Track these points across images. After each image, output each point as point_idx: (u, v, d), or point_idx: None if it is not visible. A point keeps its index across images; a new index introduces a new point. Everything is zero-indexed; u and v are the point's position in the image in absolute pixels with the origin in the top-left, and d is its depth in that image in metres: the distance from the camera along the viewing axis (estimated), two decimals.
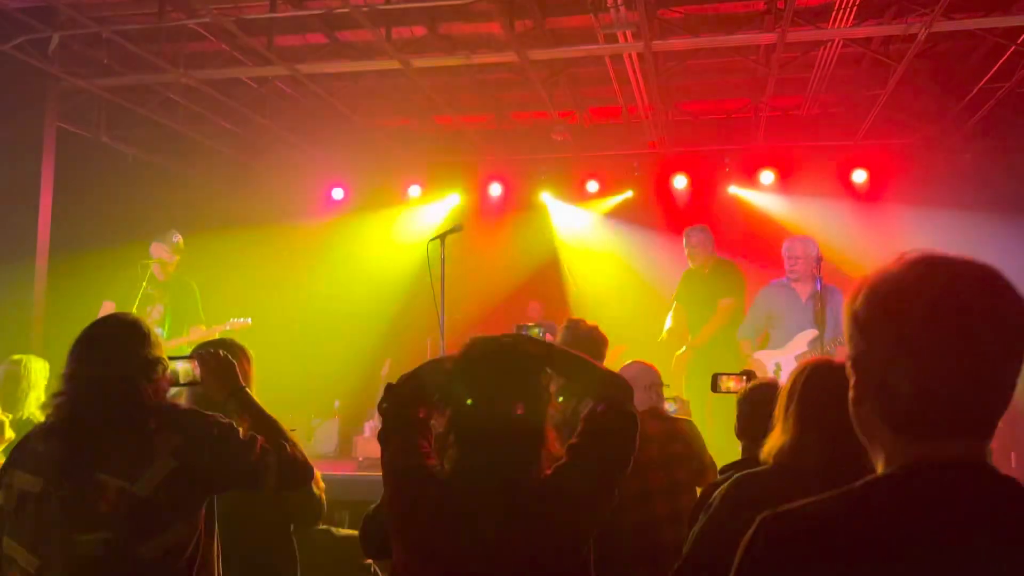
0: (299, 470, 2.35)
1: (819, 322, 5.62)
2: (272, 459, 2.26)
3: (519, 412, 1.81)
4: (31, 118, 6.52)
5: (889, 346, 1.05)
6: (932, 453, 1.04)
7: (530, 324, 3.75)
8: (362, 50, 6.53)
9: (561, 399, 2.61)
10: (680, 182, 8.60)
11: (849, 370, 1.13)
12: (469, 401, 1.83)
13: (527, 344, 1.98)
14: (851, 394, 1.11)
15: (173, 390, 2.55)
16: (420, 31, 6.48)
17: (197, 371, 2.51)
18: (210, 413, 2.31)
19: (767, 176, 8.34)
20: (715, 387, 3.36)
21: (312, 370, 7.48)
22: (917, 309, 1.04)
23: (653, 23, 5.87)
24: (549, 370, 1.96)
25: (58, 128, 6.84)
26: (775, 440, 2.10)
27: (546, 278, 8.94)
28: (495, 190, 9.05)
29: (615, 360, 3.96)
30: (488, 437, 1.83)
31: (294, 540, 2.96)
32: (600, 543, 1.91)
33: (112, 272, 6.26)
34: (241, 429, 2.30)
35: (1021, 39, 5.94)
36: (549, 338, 3.50)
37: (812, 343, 5.45)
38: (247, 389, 2.52)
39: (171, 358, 2.43)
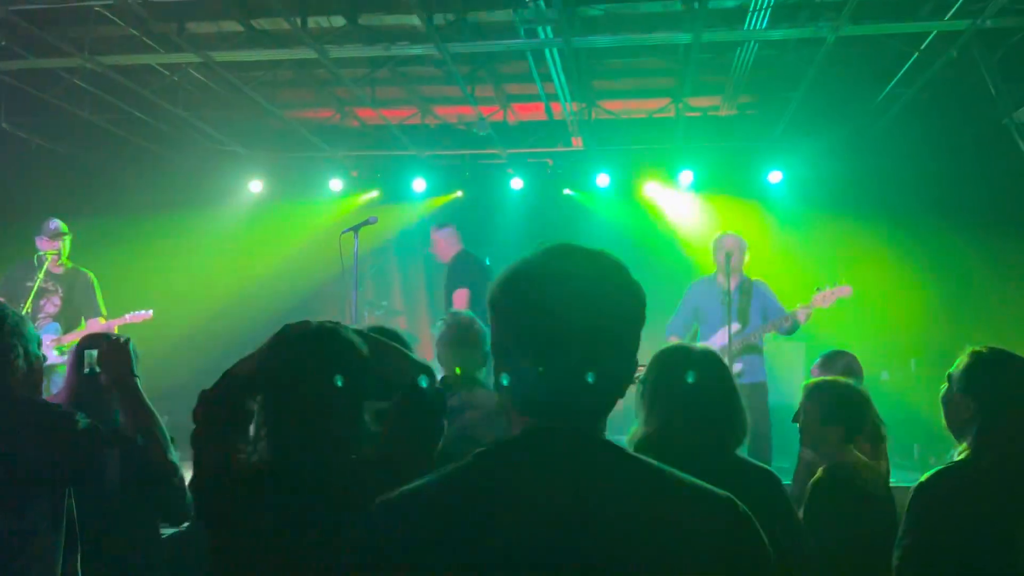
0: (153, 468, 2.31)
1: (742, 316, 5.73)
2: (114, 454, 2.20)
3: (334, 388, 1.77)
4: None
5: (520, 336, 1.12)
6: (549, 426, 1.10)
7: (460, 311, 3.69)
8: (278, 39, 6.38)
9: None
10: (603, 180, 8.68)
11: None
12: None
13: (344, 330, 1.95)
14: (496, 380, 1.17)
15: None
16: (339, 21, 6.36)
17: (95, 359, 2.50)
18: (50, 404, 2.29)
19: (686, 176, 8.49)
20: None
21: (219, 365, 7.27)
22: (531, 295, 1.11)
23: (573, 20, 5.90)
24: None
25: None
26: (634, 431, 2.13)
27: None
28: (418, 185, 8.99)
29: None
30: (301, 416, 1.79)
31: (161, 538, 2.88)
32: None
33: (7, 262, 5.98)
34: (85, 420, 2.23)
35: (924, 45, 6.18)
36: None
37: (736, 336, 5.55)
38: (135, 379, 2.44)
39: (89, 347, 2.45)
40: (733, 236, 5.90)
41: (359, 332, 1.98)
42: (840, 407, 2.82)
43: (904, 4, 5.75)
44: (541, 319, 1.10)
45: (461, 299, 5.82)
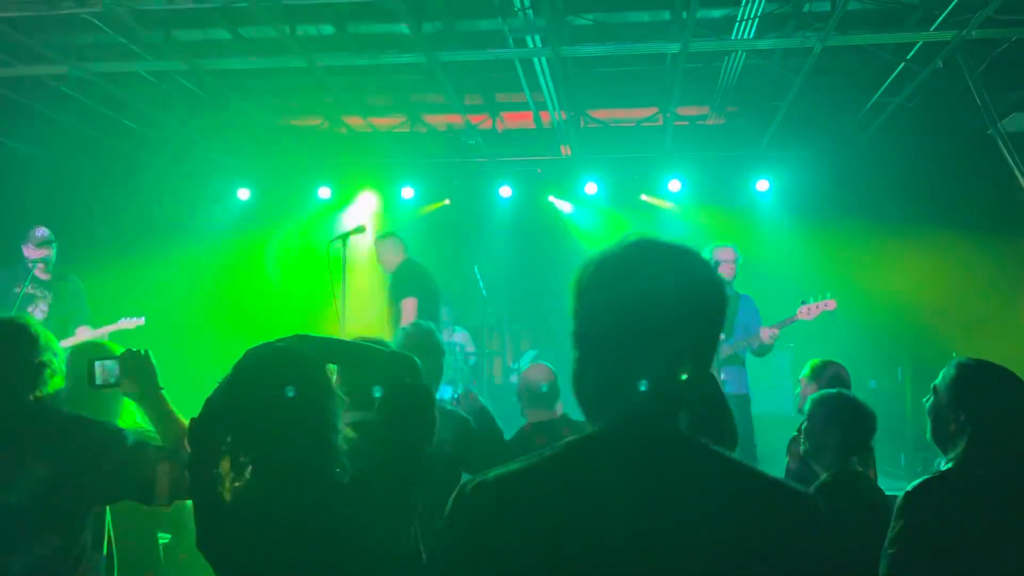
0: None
1: (727, 328, 5.73)
2: (165, 469, 2.18)
3: (299, 408, 1.76)
4: None
5: (602, 328, 1.15)
6: (630, 419, 1.13)
7: (420, 320, 3.65)
8: (266, 47, 6.36)
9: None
10: (591, 188, 8.71)
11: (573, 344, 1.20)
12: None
13: (302, 344, 1.93)
14: (574, 367, 1.19)
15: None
16: (328, 29, 6.35)
17: (116, 372, 2.39)
18: (97, 421, 2.21)
19: (674, 184, 8.52)
20: None
21: (209, 372, 7.24)
22: (618, 287, 1.13)
23: (561, 29, 5.92)
24: (332, 366, 1.95)
25: None
26: None
27: (457, 281, 8.90)
28: (407, 193, 8.98)
29: None
30: (276, 441, 1.78)
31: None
32: None
33: None
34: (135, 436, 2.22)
35: (910, 55, 6.23)
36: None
37: (721, 344, 5.55)
38: (160, 391, 2.42)
39: (99, 358, 2.35)
40: (725, 248, 5.87)
41: (329, 342, 1.97)
42: (846, 420, 2.84)
43: (891, 14, 5.80)
44: (628, 311, 1.12)
45: (410, 308, 5.79)
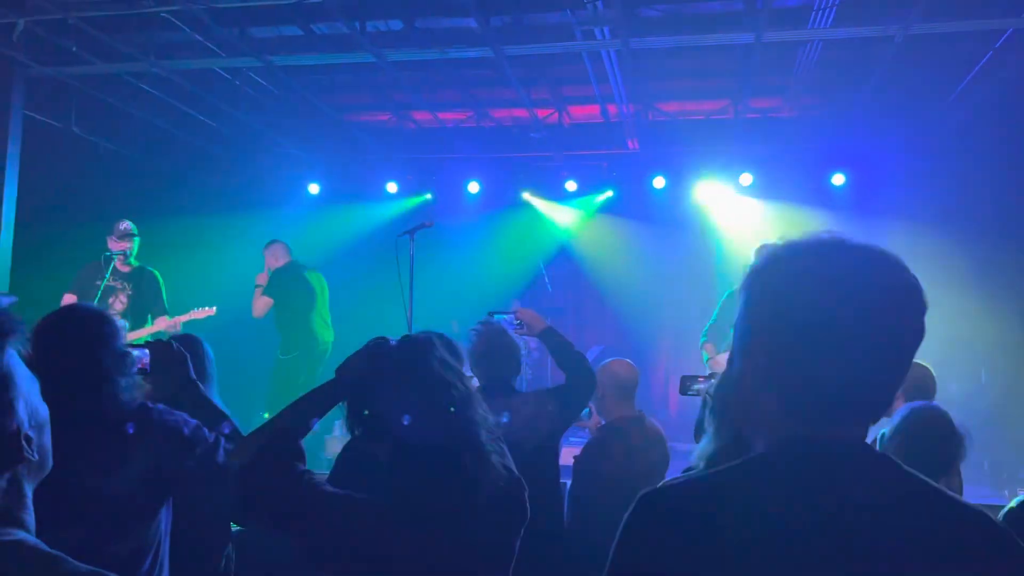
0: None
1: None
2: (234, 460, 2.21)
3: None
4: None
5: (796, 333, 1.05)
6: (817, 433, 1.06)
7: (504, 311, 3.65)
8: (336, 43, 6.43)
9: None
10: (658, 183, 8.58)
11: (739, 356, 1.12)
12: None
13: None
14: (745, 381, 1.11)
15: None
16: (396, 25, 6.39)
17: (147, 361, 2.42)
18: (179, 412, 2.25)
19: (744, 179, 8.33)
20: (683, 390, 3.29)
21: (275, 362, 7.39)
22: (823, 297, 1.03)
23: (631, 21, 5.82)
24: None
25: (28, 117, 6.69)
26: (706, 446, 2.06)
27: (525, 277, 8.89)
28: (472, 187, 9.00)
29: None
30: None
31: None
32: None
33: (79, 263, 6.16)
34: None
35: (999, 43, 5.94)
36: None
37: None
38: (198, 383, 2.46)
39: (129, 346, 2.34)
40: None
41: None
42: (935, 438, 2.75)
43: (975, 0, 5.53)
44: (814, 317, 1.04)
45: (260, 306, 6.78)
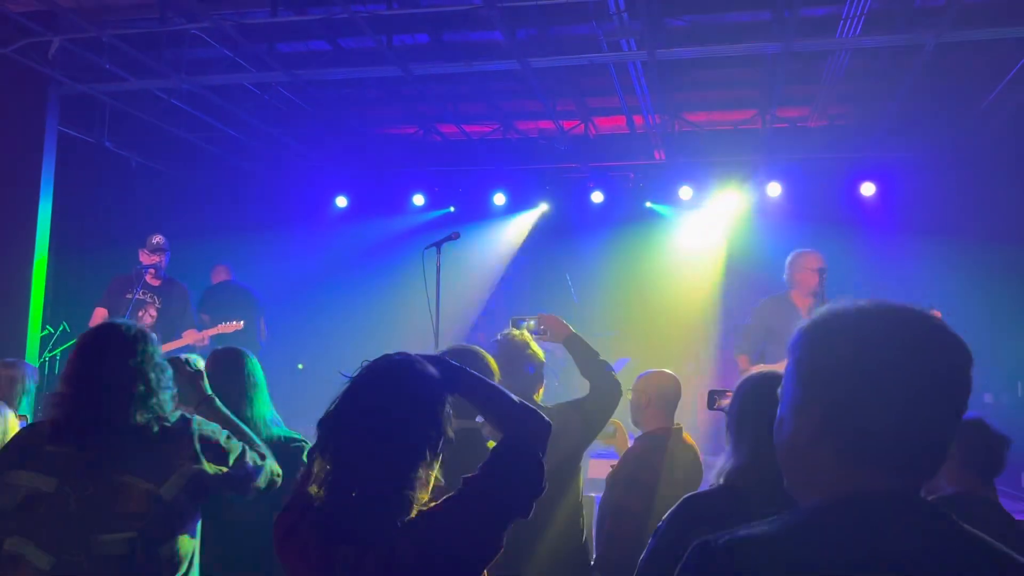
0: (273, 479, 2.46)
1: None
2: (260, 468, 2.36)
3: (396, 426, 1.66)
4: (32, 122, 6.51)
5: (854, 390, 1.12)
6: (877, 485, 1.11)
7: (526, 317, 3.59)
8: (364, 57, 6.49)
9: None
10: (685, 193, 8.53)
11: (792, 412, 1.18)
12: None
13: (426, 364, 1.78)
14: (800, 435, 1.16)
15: None
16: (423, 39, 6.44)
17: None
18: (213, 423, 2.38)
19: (772, 189, 8.26)
20: (711, 404, 3.24)
21: (307, 375, 7.43)
22: (884, 357, 1.12)
23: (657, 32, 5.81)
24: (454, 395, 1.79)
25: (61, 133, 6.82)
26: (724, 463, 2.03)
27: (549, 288, 8.86)
28: (499, 199, 9.01)
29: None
30: (356, 451, 1.67)
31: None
32: None
33: (111, 276, 6.23)
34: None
35: None
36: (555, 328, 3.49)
37: None
38: (215, 398, 2.59)
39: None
40: (808, 254, 5.56)
41: (456, 368, 1.84)
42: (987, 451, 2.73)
43: (1008, 7, 5.45)
44: (870, 375, 1.12)
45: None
